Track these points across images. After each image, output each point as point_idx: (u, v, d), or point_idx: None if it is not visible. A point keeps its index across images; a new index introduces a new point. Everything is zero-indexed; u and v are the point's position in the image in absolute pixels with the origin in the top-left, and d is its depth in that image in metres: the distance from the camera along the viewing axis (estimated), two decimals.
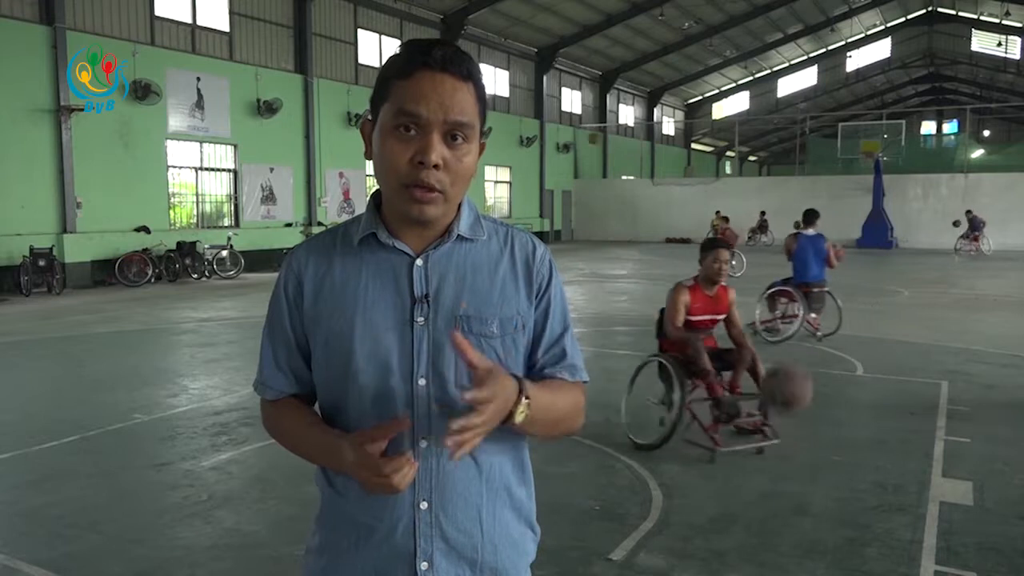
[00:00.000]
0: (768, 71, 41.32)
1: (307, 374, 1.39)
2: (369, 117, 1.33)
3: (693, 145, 45.80)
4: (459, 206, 1.35)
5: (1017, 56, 37.93)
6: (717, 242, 5.61)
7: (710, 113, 44.52)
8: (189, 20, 17.95)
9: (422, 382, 1.29)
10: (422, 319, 1.29)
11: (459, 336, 1.20)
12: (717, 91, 42.79)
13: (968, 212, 24.95)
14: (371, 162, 1.32)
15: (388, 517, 1.29)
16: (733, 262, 8.30)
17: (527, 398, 1.24)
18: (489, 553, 1.34)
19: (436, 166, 1.24)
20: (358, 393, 1.30)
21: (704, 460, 4.94)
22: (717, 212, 28.96)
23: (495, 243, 1.37)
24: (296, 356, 1.38)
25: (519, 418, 1.24)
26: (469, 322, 1.30)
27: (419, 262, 1.31)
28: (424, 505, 1.29)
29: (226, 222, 19.14)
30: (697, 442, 5.02)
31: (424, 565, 1.30)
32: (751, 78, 41.51)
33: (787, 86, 43.86)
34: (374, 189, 1.39)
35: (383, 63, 1.32)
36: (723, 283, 5.47)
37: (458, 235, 1.33)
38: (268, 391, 1.41)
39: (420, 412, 1.28)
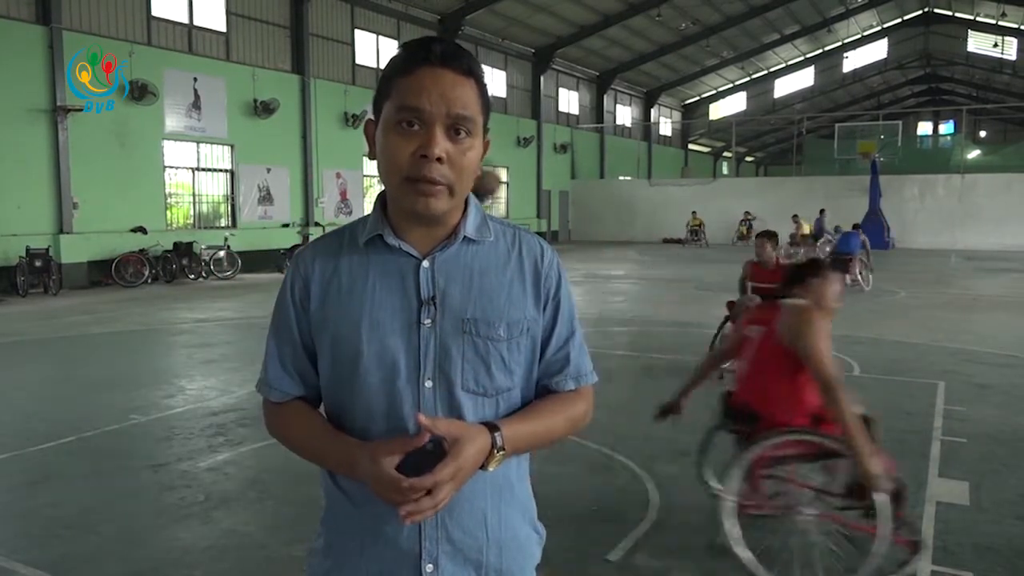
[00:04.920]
0: (765, 72, 41.35)
1: (313, 377, 1.39)
2: (372, 117, 1.34)
3: (690, 146, 45.82)
4: (466, 207, 1.34)
5: (1013, 57, 38.00)
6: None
7: (707, 114, 44.55)
8: (186, 20, 17.93)
9: (428, 384, 1.29)
10: (429, 321, 1.29)
11: (423, 416, 1.22)
12: (714, 92, 42.81)
13: (821, 211, 23.59)
14: (375, 162, 1.31)
15: (394, 520, 1.28)
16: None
17: (501, 450, 1.26)
18: (494, 555, 1.34)
19: (439, 159, 1.23)
20: (365, 395, 1.30)
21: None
22: (694, 213, 29.42)
23: (502, 245, 1.37)
24: (302, 358, 1.38)
25: (492, 467, 1.27)
26: (476, 325, 1.30)
27: (425, 264, 1.31)
28: None
29: (223, 223, 19.11)
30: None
31: (429, 567, 1.30)
32: (748, 79, 41.54)
33: (784, 87, 43.89)
34: (379, 190, 1.38)
35: (385, 63, 1.32)
36: None
37: (464, 236, 1.33)
38: (273, 392, 1.40)
39: (427, 415, 1.27)
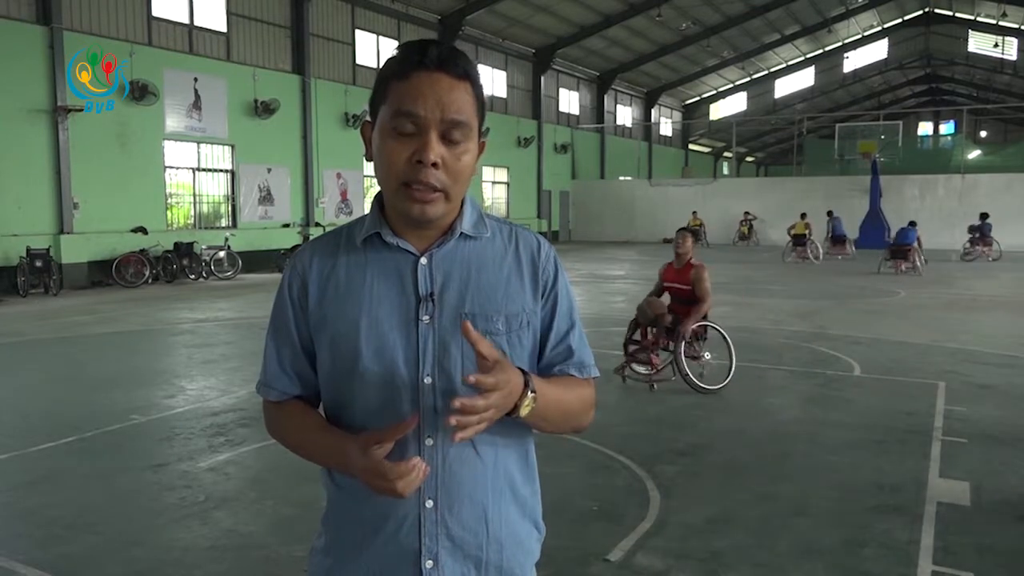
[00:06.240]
0: (765, 72, 41.36)
1: (311, 376, 1.39)
2: (368, 119, 1.34)
3: (690, 146, 45.84)
4: (461, 205, 1.35)
5: (1014, 57, 38.00)
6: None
7: (707, 114, 44.56)
8: (186, 21, 17.93)
9: (428, 380, 1.29)
10: (427, 317, 1.30)
11: (469, 326, 1.20)
12: (714, 92, 42.83)
13: (830, 212, 23.88)
14: (372, 164, 1.32)
15: (394, 516, 1.29)
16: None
17: (533, 392, 1.24)
18: (494, 552, 1.34)
19: (435, 165, 1.24)
20: (364, 392, 1.30)
21: (701, 459, 4.95)
22: (694, 213, 29.54)
23: (499, 240, 1.37)
24: (301, 358, 1.38)
25: (524, 411, 1.24)
26: (474, 320, 1.30)
27: (423, 260, 1.32)
28: (429, 503, 1.29)
29: (223, 223, 19.12)
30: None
31: (429, 564, 1.30)
32: (748, 79, 41.54)
33: (784, 87, 43.90)
34: (376, 190, 1.39)
35: (381, 65, 1.33)
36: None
37: (461, 233, 1.33)
38: (272, 392, 1.41)
39: (426, 410, 1.28)
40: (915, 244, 18.31)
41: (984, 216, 22.72)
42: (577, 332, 1.41)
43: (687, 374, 6.64)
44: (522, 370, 1.26)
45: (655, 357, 6.82)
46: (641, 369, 6.97)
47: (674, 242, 7.02)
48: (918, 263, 18.09)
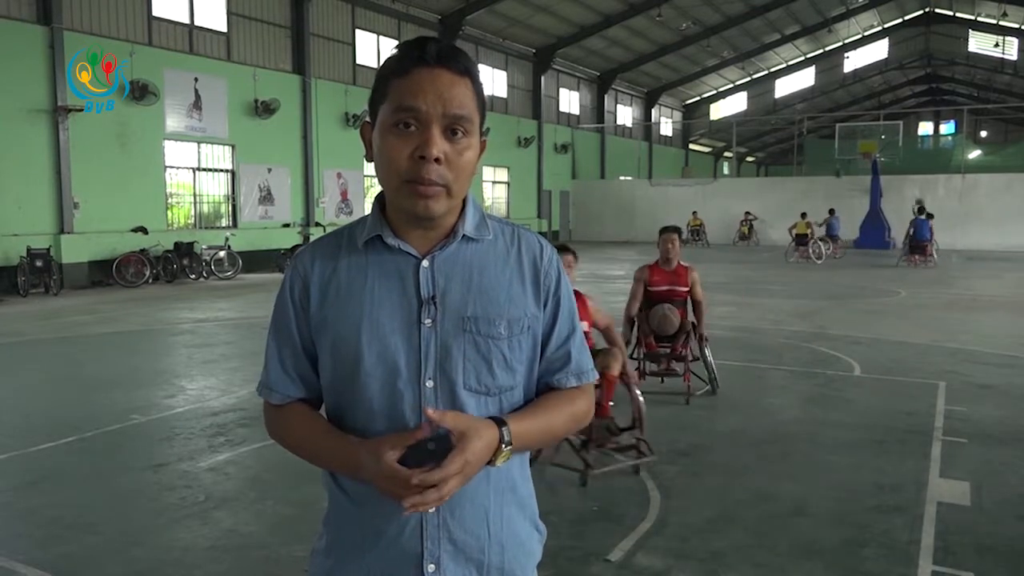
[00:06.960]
0: (765, 72, 41.35)
1: (313, 378, 1.38)
2: (368, 119, 1.33)
3: (691, 146, 45.82)
4: (464, 206, 1.34)
5: (1014, 57, 37.99)
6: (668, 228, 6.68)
7: (708, 114, 44.55)
8: (187, 20, 17.93)
9: (429, 384, 1.29)
10: (429, 321, 1.29)
11: (429, 410, 1.22)
12: (715, 92, 42.82)
13: (831, 211, 24.01)
14: (372, 164, 1.31)
15: (395, 519, 1.28)
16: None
17: (508, 445, 1.26)
18: (496, 554, 1.34)
19: (437, 160, 1.23)
20: (366, 396, 1.30)
21: (701, 459, 4.95)
22: (694, 213, 29.59)
23: (501, 243, 1.37)
24: (303, 360, 1.38)
25: (499, 462, 1.26)
26: (477, 323, 1.30)
27: (425, 263, 1.31)
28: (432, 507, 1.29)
29: (224, 223, 19.12)
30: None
31: (431, 567, 1.30)
32: (748, 79, 41.53)
33: (784, 87, 43.89)
34: (377, 191, 1.38)
35: (380, 64, 1.32)
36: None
37: (463, 235, 1.33)
38: (274, 395, 1.40)
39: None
40: (929, 238, 19.67)
41: (929, 216, 22.93)
42: (577, 337, 1.41)
43: (713, 373, 6.57)
44: (499, 421, 1.26)
45: (688, 366, 6.42)
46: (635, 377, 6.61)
47: (661, 245, 6.57)
48: (934, 256, 19.61)
